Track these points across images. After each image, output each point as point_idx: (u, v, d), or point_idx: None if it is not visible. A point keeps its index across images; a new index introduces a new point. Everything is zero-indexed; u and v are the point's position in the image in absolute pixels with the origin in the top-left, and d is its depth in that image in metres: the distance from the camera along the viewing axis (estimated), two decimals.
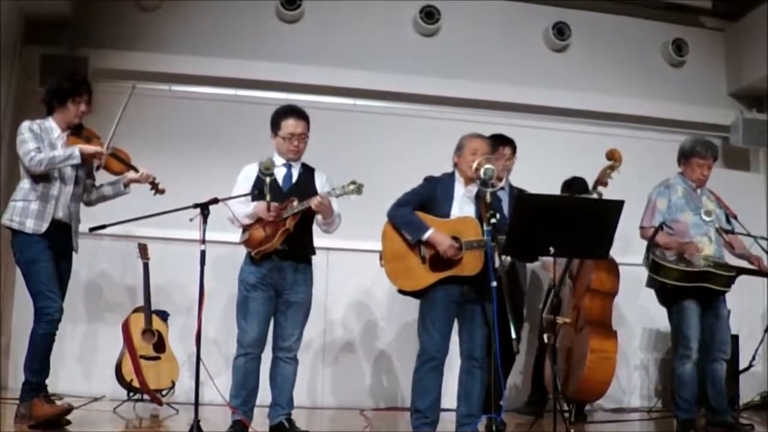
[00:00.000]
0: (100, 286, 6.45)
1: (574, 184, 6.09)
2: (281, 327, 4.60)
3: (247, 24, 7.01)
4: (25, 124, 4.52)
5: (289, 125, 4.64)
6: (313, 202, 4.43)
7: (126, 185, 4.70)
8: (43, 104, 4.64)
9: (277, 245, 4.46)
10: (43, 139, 4.50)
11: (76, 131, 4.61)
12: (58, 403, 4.66)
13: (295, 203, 4.45)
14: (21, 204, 4.48)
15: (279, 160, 4.67)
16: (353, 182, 4.49)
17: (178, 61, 6.80)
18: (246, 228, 4.53)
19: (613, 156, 5.31)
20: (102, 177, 4.79)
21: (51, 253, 4.48)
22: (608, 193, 5.00)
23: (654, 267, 5.17)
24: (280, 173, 4.64)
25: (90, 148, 4.49)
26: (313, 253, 4.71)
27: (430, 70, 7.18)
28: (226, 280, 5.97)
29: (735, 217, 5.32)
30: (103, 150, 4.52)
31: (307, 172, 4.74)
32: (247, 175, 4.61)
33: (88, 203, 4.75)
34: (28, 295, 4.41)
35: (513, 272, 5.38)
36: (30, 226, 4.44)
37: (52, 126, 4.58)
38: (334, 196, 4.50)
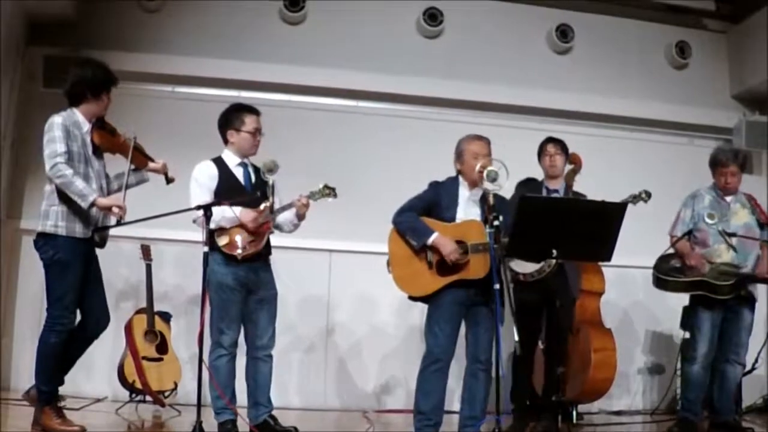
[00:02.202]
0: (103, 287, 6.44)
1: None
2: (256, 325, 4.59)
3: (250, 25, 7.01)
4: (58, 121, 4.31)
5: (253, 120, 4.68)
6: (299, 204, 4.51)
7: (146, 172, 4.68)
8: (67, 95, 4.46)
9: (261, 247, 4.50)
10: (76, 136, 4.34)
11: (100, 124, 4.50)
12: (61, 403, 4.65)
13: (277, 204, 4.52)
14: (64, 207, 4.30)
15: (233, 159, 4.67)
16: (326, 186, 4.62)
17: (181, 63, 6.80)
18: (222, 232, 4.49)
19: (574, 160, 5.45)
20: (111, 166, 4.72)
21: (83, 261, 4.38)
22: (611, 195, 5.00)
23: (656, 282, 5.38)
24: (238, 173, 4.65)
25: (106, 202, 4.32)
26: (271, 252, 4.71)
27: (433, 71, 7.18)
28: None
29: (766, 224, 5.31)
30: (122, 204, 4.34)
31: (258, 171, 4.68)
32: (210, 174, 4.58)
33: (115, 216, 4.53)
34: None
35: (562, 274, 5.21)
36: (79, 230, 4.32)
37: (80, 119, 4.43)
38: (314, 199, 4.59)
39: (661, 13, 7.80)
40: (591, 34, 7.58)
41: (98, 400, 5.77)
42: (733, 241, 5.21)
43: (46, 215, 4.33)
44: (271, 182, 4.50)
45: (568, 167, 5.49)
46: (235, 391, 4.58)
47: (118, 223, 4.37)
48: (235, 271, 4.48)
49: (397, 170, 6.60)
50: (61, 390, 4.60)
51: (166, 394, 5.71)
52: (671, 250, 5.40)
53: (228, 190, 4.51)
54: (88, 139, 4.44)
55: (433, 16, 7.26)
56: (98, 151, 4.53)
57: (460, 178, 4.56)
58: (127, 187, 4.60)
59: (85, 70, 4.48)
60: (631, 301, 6.79)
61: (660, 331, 7.18)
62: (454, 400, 4.83)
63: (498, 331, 4.06)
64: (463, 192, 4.52)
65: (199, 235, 4.24)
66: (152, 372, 5.65)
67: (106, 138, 4.50)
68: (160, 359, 5.73)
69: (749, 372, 6.46)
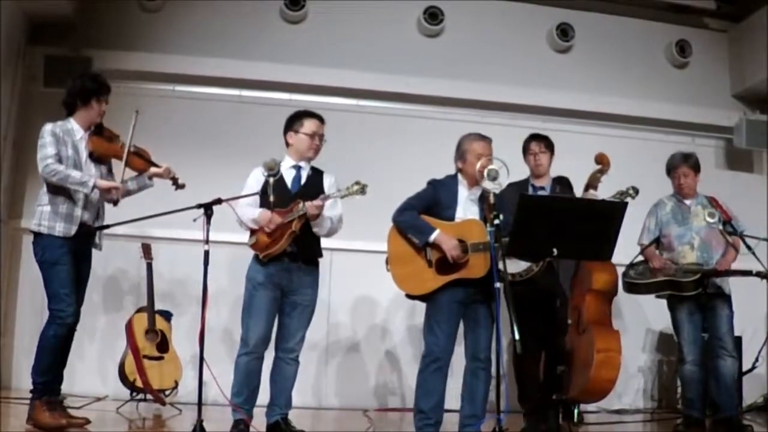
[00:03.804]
0: (104, 286, 6.45)
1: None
2: (285, 328, 4.64)
3: (250, 25, 7.01)
4: (48, 128, 4.47)
5: (314, 124, 4.75)
6: (310, 205, 4.49)
7: (150, 178, 4.71)
8: (64, 105, 4.60)
9: (284, 247, 4.50)
10: (66, 142, 4.47)
11: (98, 131, 4.59)
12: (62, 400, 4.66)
13: (301, 205, 4.49)
14: (48, 208, 4.44)
15: (288, 162, 4.72)
16: (357, 183, 4.56)
17: (182, 62, 6.80)
18: (253, 231, 4.57)
19: (601, 160, 5.40)
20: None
21: (72, 257, 4.47)
22: (610, 194, 5.00)
23: (626, 287, 5.61)
24: (289, 175, 4.70)
25: (106, 184, 4.47)
26: (320, 255, 4.75)
27: (434, 70, 7.18)
28: (233, 281, 6.00)
29: (728, 221, 5.39)
30: (119, 186, 4.49)
31: (316, 174, 4.79)
32: (257, 178, 4.64)
33: (111, 200, 4.65)
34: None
35: (552, 274, 5.19)
36: (60, 229, 4.42)
37: (74, 127, 4.55)
38: (339, 197, 4.58)
39: (661, 12, 7.81)
40: (591, 33, 7.58)
41: (99, 399, 5.78)
42: (696, 242, 5.36)
43: (34, 215, 4.51)
44: (272, 181, 4.50)
45: (595, 167, 5.43)
46: (256, 391, 4.59)
47: (115, 204, 4.53)
48: (266, 270, 4.55)
49: (397, 169, 6.60)
50: (62, 389, 4.61)
51: (167, 392, 5.71)
52: (640, 258, 5.57)
53: (266, 191, 4.49)
54: (82, 146, 4.54)
55: (433, 15, 7.26)
56: (95, 157, 4.59)
57: (459, 177, 4.55)
58: (129, 193, 4.68)
59: (76, 81, 4.61)
60: (632, 300, 6.77)
61: (661, 329, 7.18)
62: (454, 399, 4.83)
63: (498, 330, 4.05)
64: (462, 191, 4.51)
65: (201, 234, 4.23)
66: (153, 370, 5.65)
67: (100, 144, 4.57)
68: (160, 358, 5.73)
69: (749, 371, 6.47)
